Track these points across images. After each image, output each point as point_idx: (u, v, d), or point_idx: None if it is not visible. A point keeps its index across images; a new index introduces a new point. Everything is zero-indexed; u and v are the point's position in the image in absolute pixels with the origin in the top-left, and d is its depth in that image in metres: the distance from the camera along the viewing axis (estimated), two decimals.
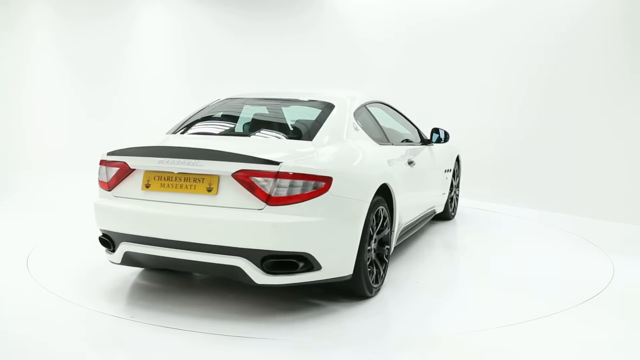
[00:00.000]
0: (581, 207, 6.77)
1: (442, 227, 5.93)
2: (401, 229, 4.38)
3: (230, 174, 3.17)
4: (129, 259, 3.52)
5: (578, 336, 3.27)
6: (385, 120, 5.13)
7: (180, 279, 4.03)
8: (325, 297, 3.69)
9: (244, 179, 3.13)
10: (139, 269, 4.21)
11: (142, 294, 3.76)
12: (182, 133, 4.00)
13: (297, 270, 3.18)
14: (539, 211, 6.98)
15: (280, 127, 4.04)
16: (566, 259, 4.89)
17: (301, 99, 4.30)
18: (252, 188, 3.12)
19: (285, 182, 3.09)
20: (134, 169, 3.46)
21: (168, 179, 3.35)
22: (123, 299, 3.66)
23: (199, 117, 4.24)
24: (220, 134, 4.12)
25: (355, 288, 3.58)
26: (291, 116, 4.14)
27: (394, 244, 4.19)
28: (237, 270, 3.17)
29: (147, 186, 3.41)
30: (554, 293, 3.98)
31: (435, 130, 5.36)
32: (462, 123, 7.96)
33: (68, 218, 6.14)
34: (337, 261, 3.32)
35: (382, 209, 3.77)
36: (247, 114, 4.32)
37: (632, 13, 6.58)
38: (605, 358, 3.02)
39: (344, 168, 3.41)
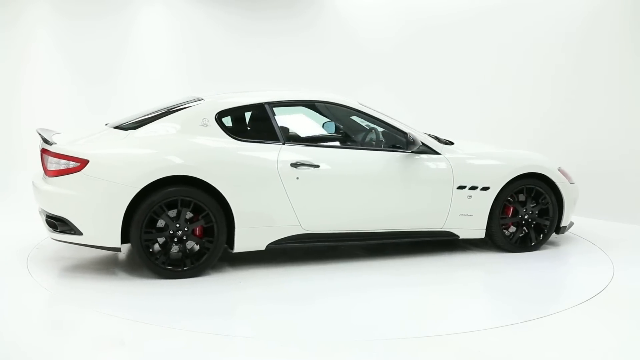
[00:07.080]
0: (581, 207, 6.75)
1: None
2: (289, 234, 4.24)
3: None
4: None
5: (578, 336, 3.27)
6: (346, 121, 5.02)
7: (183, 280, 4.03)
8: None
9: (41, 155, 4.10)
10: (139, 270, 4.22)
11: (142, 294, 3.76)
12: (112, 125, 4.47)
13: (58, 230, 3.97)
14: None
15: (146, 121, 4.25)
16: (566, 259, 4.89)
17: (201, 97, 4.46)
18: (43, 162, 4.06)
19: (53, 159, 3.94)
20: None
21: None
22: (123, 300, 3.66)
23: (142, 112, 4.58)
24: (117, 127, 4.35)
25: (145, 265, 4.02)
26: (170, 112, 4.32)
27: (244, 243, 4.16)
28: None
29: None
30: (554, 293, 3.99)
31: (404, 135, 4.55)
32: (462, 123, 7.95)
33: None
34: (98, 232, 3.93)
35: (193, 202, 3.97)
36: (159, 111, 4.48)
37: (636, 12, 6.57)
38: (606, 358, 3.02)
39: (108, 155, 3.97)
